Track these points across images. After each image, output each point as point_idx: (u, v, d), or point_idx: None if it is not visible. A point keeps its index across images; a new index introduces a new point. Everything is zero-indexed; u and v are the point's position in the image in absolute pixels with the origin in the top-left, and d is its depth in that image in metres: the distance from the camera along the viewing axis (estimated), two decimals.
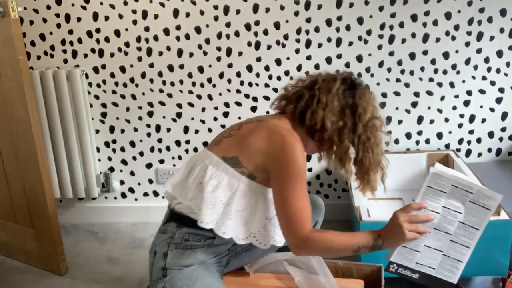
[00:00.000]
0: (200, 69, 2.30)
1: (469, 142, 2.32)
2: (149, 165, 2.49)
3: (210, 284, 1.33)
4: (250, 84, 2.30)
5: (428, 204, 1.25)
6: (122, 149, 2.47)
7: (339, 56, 2.23)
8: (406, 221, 1.22)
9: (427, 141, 2.33)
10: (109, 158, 2.49)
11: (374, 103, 1.38)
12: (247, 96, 2.32)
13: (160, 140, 2.44)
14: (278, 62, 2.26)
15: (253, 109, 2.34)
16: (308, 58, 2.24)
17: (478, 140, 2.31)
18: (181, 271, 1.35)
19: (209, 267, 1.39)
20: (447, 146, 2.32)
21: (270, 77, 2.28)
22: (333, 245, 1.26)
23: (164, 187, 1.44)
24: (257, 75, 2.28)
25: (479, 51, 2.18)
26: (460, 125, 2.29)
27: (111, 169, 2.51)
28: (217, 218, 1.32)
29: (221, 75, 2.30)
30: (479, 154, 2.33)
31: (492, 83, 2.22)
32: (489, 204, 1.24)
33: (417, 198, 1.26)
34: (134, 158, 2.48)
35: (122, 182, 2.54)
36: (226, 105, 2.34)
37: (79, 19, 2.28)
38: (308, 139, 1.39)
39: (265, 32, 2.22)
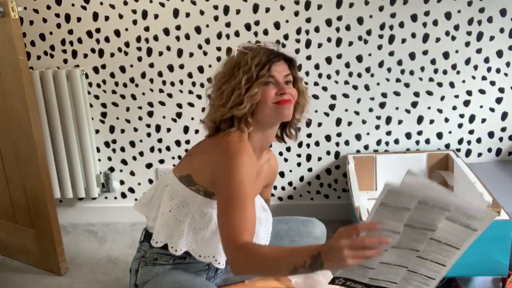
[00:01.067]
0: (200, 69, 2.30)
1: (469, 142, 2.31)
2: (149, 165, 2.49)
3: (177, 277, 1.34)
4: None
5: (383, 223, 0.93)
6: (122, 149, 2.47)
7: (339, 56, 2.23)
8: (347, 246, 0.92)
9: (427, 141, 2.32)
10: (109, 158, 2.49)
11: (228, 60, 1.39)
12: None
13: (160, 140, 2.44)
14: None
15: None
16: (308, 58, 2.24)
17: (478, 140, 2.31)
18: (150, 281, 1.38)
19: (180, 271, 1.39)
20: (447, 146, 2.32)
21: None
22: (268, 259, 1.08)
23: (133, 207, 1.48)
24: None
25: (479, 51, 2.18)
26: (460, 125, 2.29)
27: (111, 169, 2.51)
28: (169, 237, 1.34)
29: None
30: (479, 154, 2.33)
31: (492, 83, 2.22)
32: (474, 225, 0.92)
33: (368, 215, 0.96)
34: (134, 158, 2.48)
35: (122, 182, 2.53)
36: None
37: (79, 19, 2.28)
38: (250, 135, 1.32)
39: (265, 32, 2.22)
